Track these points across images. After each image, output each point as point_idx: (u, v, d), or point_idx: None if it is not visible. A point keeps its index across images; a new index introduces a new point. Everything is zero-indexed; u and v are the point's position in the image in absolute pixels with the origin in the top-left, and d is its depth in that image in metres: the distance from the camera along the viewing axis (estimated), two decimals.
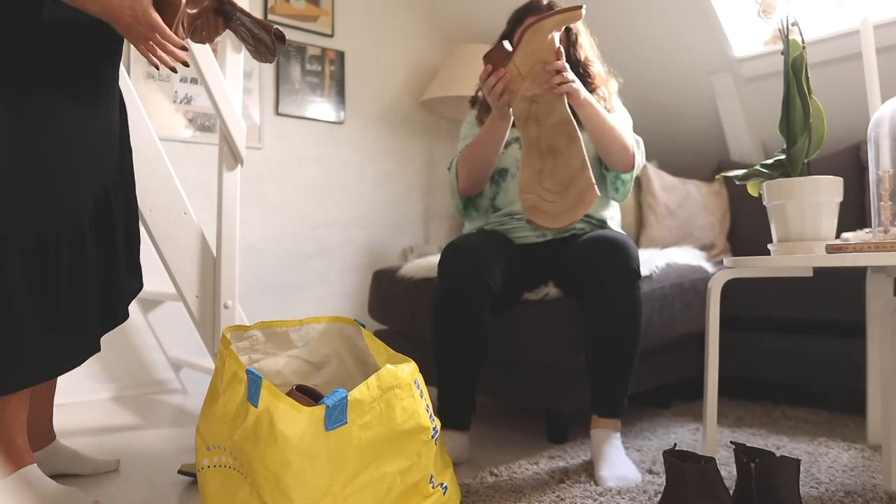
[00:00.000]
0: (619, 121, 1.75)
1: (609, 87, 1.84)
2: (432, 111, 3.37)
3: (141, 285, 1.44)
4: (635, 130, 3.24)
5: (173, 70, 1.24)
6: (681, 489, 1.10)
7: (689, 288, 2.04)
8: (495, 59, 1.53)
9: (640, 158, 1.74)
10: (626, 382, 1.56)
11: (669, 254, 2.13)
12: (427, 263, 2.10)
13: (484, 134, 1.68)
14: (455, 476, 1.29)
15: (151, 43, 1.19)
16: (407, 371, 1.16)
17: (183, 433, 1.92)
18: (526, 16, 1.80)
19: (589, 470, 1.51)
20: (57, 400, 2.35)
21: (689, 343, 2.18)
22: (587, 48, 1.84)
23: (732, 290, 2.23)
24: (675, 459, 1.11)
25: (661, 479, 1.44)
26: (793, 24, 1.44)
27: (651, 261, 1.96)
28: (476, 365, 1.60)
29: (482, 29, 3.34)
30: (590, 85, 1.78)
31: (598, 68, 1.83)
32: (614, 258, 1.51)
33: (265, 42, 1.38)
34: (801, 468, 1.51)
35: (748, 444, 1.55)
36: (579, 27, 1.84)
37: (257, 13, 2.88)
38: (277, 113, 2.92)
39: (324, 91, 3.06)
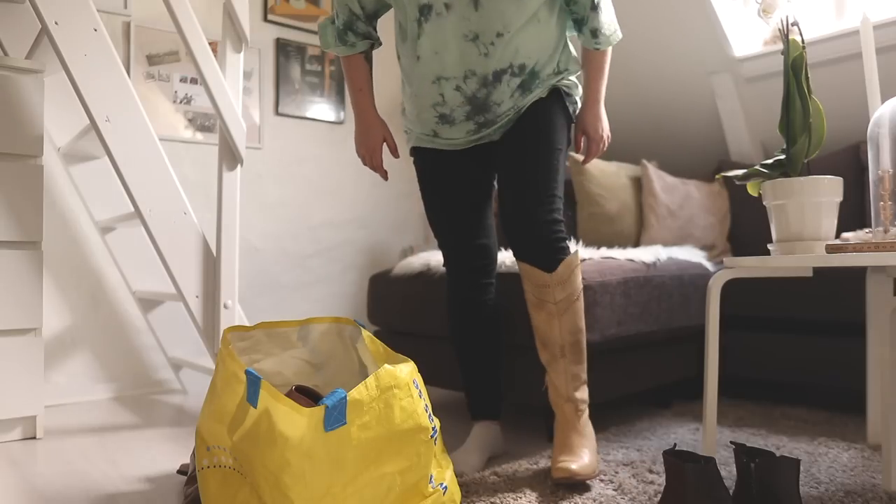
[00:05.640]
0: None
1: None
2: None
3: None
4: (636, 130, 3.24)
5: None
6: (681, 489, 1.10)
7: (689, 282, 2.05)
8: None
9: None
10: None
11: (671, 251, 2.15)
12: (420, 260, 2.11)
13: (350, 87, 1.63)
14: (455, 476, 1.29)
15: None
16: (405, 371, 1.16)
17: (183, 433, 1.92)
18: None
19: None
20: (57, 400, 2.35)
21: (688, 342, 2.18)
22: None
23: (732, 289, 2.23)
24: (675, 459, 1.11)
25: (661, 479, 1.44)
26: (793, 24, 1.44)
27: (655, 252, 2.02)
28: (483, 349, 1.61)
29: None
30: None
31: None
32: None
33: None
34: (801, 468, 1.51)
35: (748, 444, 1.55)
36: None
37: (257, 13, 2.88)
38: (277, 113, 2.92)
39: (324, 91, 3.06)
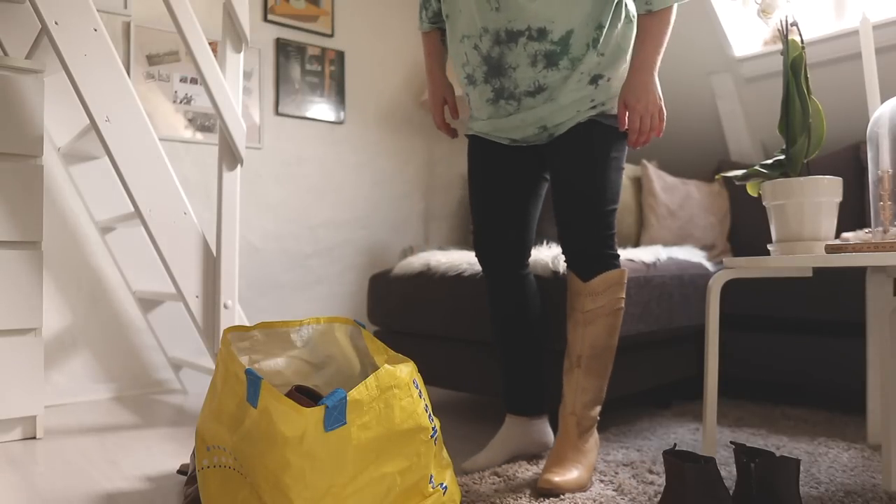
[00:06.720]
0: None
1: None
2: None
3: None
4: None
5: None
6: (681, 489, 1.10)
7: (689, 282, 2.05)
8: None
9: None
10: None
11: (671, 251, 2.16)
12: (420, 260, 2.12)
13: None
14: (455, 476, 1.29)
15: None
16: (405, 371, 1.16)
17: (183, 433, 1.92)
18: None
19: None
20: (57, 400, 2.35)
21: (689, 342, 2.18)
22: None
23: (732, 289, 2.23)
24: (675, 459, 1.11)
25: (661, 479, 1.44)
26: (792, 24, 1.44)
27: (655, 252, 2.03)
28: (517, 339, 1.59)
29: None
30: None
31: None
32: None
33: None
34: (801, 468, 1.51)
35: (748, 444, 1.55)
36: None
37: (257, 13, 2.88)
38: (277, 113, 2.92)
39: (324, 91, 3.06)
